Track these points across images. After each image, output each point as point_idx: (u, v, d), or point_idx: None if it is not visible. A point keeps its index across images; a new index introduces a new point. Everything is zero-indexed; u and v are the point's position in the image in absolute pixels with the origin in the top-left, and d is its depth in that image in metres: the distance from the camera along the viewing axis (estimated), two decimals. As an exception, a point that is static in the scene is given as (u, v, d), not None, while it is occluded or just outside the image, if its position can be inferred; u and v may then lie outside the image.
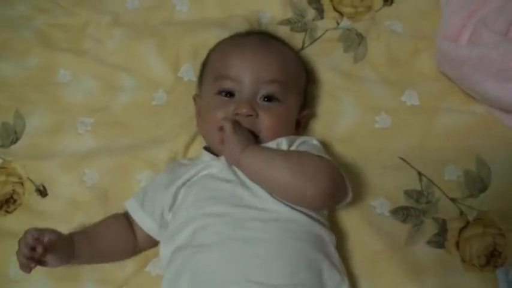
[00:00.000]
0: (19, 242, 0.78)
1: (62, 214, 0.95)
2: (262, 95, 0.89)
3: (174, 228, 0.83)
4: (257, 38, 0.96)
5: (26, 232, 0.78)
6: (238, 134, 0.82)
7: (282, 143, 0.86)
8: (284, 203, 0.80)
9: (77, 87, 1.07)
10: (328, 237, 0.83)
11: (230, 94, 0.89)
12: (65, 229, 0.92)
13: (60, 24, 1.14)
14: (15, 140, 1.03)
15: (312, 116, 1.03)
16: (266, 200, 0.80)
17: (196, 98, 0.99)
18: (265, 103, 0.89)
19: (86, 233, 0.87)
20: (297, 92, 0.95)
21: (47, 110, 1.05)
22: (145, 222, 0.88)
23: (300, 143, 0.88)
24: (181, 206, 0.84)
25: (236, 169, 0.84)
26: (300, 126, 0.97)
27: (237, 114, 0.86)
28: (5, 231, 0.95)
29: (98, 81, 1.07)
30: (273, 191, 0.80)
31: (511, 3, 0.93)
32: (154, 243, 0.90)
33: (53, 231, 0.81)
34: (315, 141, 0.90)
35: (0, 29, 1.14)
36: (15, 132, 1.04)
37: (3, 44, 1.12)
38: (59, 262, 0.80)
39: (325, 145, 0.98)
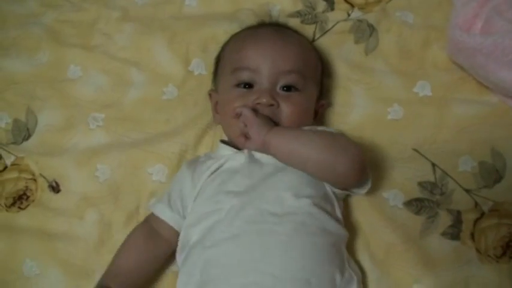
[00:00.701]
0: None
1: (75, 210, 0.95)
2: (282, 85, 0.89)
3: (190, 223, 0.83)
4: (272, 28, 0.96)
5: None
6: (259, 117, 0.83)
7: None
8: (304, 197, 0.80)
9: (87, 83, 1.07)
10: (342, 235, 0.83)
11: (249, 85, 0.89)
12: (78, 225, 0.94)
13: (69, 20, 1.14)
14: (27, 137, 1.03)
15: (329, 106, 1.02)
16: (285, 195, 0.80)
17: (212, 93, 0.98)
18: (285, 93, 0.89)
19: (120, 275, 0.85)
20: (314, 81, 0.95)
21: (58, 106, 1.05)
22: (175, 220, 0.87)
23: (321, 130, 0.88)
24: (199, 200, 0.84)
25: (259, 160, 0.84)
26: (317, 116, 0.97)
27: (257, 104, 0.86)
28: (18, 227, 0.96)
29: (109, 76, 1.07)
30: (304, 168, 0.81)
31: (524, -8, 0.92)
32: None
33: None
34: (332, 130, 0.91)
35: (10, 26, 1.14)
36: (27, 129, 1.04)
37: (13, 41, 1.12)
38: None
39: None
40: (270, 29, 0.96)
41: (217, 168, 0.86)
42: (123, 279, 0.84)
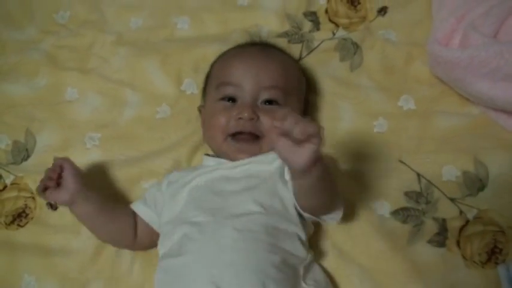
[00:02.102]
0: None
1: (72, 226, 0.98)
2: (263, 100, 0.93)
3: (162, 234, 0.87)
4: (257, 47, 1.01)
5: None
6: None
7: None
8: (269, 215, 0.82)
9: (84, 104, 1.11)
10: (301, 257, 0.84)
11: (232, 100, 0.93)
12: (74, 241, 0.97)
13: (66, 46, 1.19)
14: (26, 157, 1.07)
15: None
16: (251, 208, 0.82)
17: (201, 109, 1.02)
18: (266, 106, 0.92)
19: (103, 202, 0.91)
20: (297, 98, 0.98)
21: (56, 127, 1.09)
22: (146, 213, 0.92)
23: None
24: (172, 207, 0.88)
25: (232, 176, 0.87)
26: None
27: (239, 118, 0.90)
28: (17, 244, 0.98)
29: (104, 97, 1.11)
30: (309, 198, 0.79)
31: (496, 8, 0.96)
32: (153, 241, 0.92)
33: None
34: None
35: (9, 52, 1.19)
36: (26, 150, 1.08)
37: (13, 66, 1.17)
38: (68, 195, 0.87)
39: (325, 151, 1.01)
40: (255, 47, 1.01)
41: (195, 178, 0.89)
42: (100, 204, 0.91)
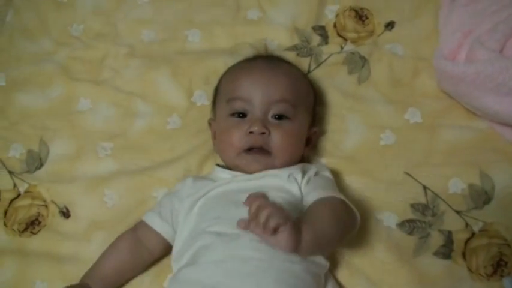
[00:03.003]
0: None
1: (84, 234, 1.00)
2: (273, 114, 0.94)
3: (179, 247, 0.88)
4: (264, 60, 1.03)
5: None
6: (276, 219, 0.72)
7: (296, 174, 0.90)
8: None
9: (96, 115, 1.14)
10: (322, 264, 0.85)
11: (242, 115, 0.95)
12: (85, 249, 0.99)
13: (80, 57, 1.21)
14: (39, 166, 1.09)
15: (322, 133, 1.07)
16: None
17: (211, 122, 1.04)
18: (276, 121, 0.94)
19: (101, 274, 0.91)
20: (306, 109, 1.00)
21: (69, 136, 1.11)
22: (163, 227, 0.92)
23: (313, 174, 0.92)
24: (190, 219, 0.89)
25: (247, 188, 0.87)
26: (310, 143, 1.01)
27: (250, 132, 0.91)
28: (30, 252, 1.00)
29: (116, 108, 1.14)
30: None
31: (503, 24, 0.98)
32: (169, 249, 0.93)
33: None
34: (327, 174, 0.96)
35: (25, 63, 1.22)
36: (40, 159, 1.10)
37: (28, 77, 1.19)
38: None
39: (333, 163, 1.04)
40: (263, 60, 1.02)
41: (212, 189, 0.90)
42: (102, 281, 0.89)
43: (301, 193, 0.89)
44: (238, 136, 0.92)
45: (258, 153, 0.92)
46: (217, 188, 0.91)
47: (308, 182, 0.91)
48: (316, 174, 0.93)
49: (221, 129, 0.97)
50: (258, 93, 0.94)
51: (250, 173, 0.92)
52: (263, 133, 0.91)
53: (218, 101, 1.02)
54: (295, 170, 0.91)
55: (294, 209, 0.85)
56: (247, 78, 0.96)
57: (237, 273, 0.78)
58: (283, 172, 0.91)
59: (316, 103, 1.07)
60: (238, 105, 0.95)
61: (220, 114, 0.99)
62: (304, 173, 0.92)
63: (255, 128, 0.91)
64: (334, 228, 0.82)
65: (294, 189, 0.89)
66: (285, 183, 0.89)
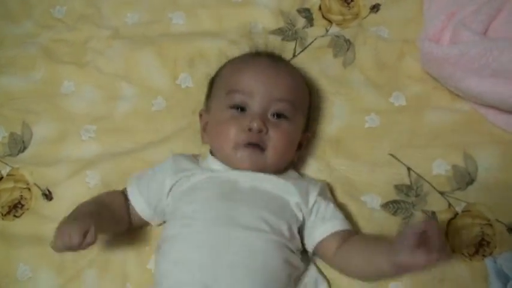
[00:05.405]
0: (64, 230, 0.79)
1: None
2: (273, 112, 0.93)
3: (164, 235, 0.89)
4: (268, 57, 1.01)
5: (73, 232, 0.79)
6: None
7: (292, 192, 0.90)
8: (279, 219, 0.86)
9: (80, 97, 1.12)
10: (301, 268, 0.89)
11: (241, 109, 0.93)
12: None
13: (63, 40, 1.20)
14: (22, 149, 1.08)
15: (313, 137, 1.06)
16: (256, 219, 0.85)
17: (202, 113, 1.02)
18: (275, 120, 0.93)
19: (98, 212, 0.88)
20: (302, 113, 0.99)
21: (52, 119, 1.10)
22: (139, 205, 0.93)
23: (318, 195, 0.92)
24: (177, 210, 0.89)
25: (240, 182, 0.89)
26: (301, 147, 1.00)
27: (249, 129, 0.90)
28: (13, 234, 1.00)
29: (100, 90, 1.13)
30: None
31: (486, 6, 0.98)
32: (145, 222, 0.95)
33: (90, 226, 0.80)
34: (329, 195, 0.96)
35: (7, 46, 1.21)
36: (23, 142, 1.09)
37: (10, 60, 1.18)
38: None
39: (318, 145, 1.05)
40: (266, 57, 1.00)
41: (201, 179, 0.90)
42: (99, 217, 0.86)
43: (303, 214, 0.90)
44: (236, 130, 0.90)
45: (253, 150, 0.90)
46: (212, 179, 0.90)
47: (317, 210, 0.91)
48: (323, 199, 0.93)
49: (217, 121, 0.95)
50: (260, 89, 0.92)
51: (242, 168, 0.91)
52: (261, 131, 0.90)
53: (215, 93, 1.00)
54: (292, 188, 0.91)
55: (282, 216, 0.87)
56: (251, 73, 0.95)
57: (217, 264, 0.80)
58: (279, 180, 0.91)
59: (311, 107, 1.06)
60: (239, 98, 0.93)
61: (217, 105, 0.97)
62: (305, 194, 0.91)
63: (255, 125, 0.89)
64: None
65: (295, 199, 0.90)
66: (279, 191, 0.90)
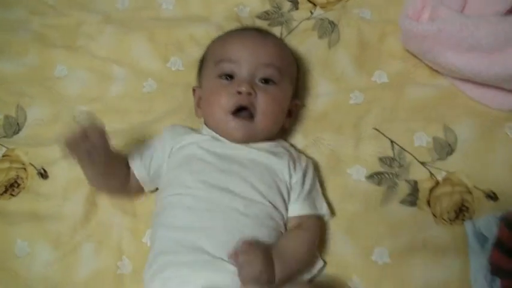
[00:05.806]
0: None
1: (62, 193, 1.02)
2: (260, 77, 0.97)
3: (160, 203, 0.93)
4: (255, 29, 1.07)
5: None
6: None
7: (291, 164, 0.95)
8: (262, 197, 0.90)
9: (73, 80, 1.15)
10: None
11: (230, 77, 0.97)
12: (65, 207, 1.01)
13: (55, 25, 1.22)
14: (17, 131, 1.10)
15: (302, 106, 1.10)
16: (249, 190, 0.89)
17: (196, 89, 1.06)
18: (263, 85, 0.96)
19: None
20: (290, 80, 1.03)
21: (46, 102, 1.13)
22: (139, 170, 0.96)
23: (302, 174, 0.96)
24: (175, 178, 0.92)
25: (232, 154, 0.93)
26: (291, 114, 1.05)
27: (238, 92, 0.93)
28: (10, 213, 1.02)
29: (92, 73, 1.15)
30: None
31: (464, -15, 1.03)
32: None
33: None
34: (311, 175, 0.98)
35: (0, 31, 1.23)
36: (18, 124, 1.11)
37: (3, 44, 1.20)
38: (98, 159, 0.87)
39: (304, 121, 1.08)
40: (253, 30, 1.07)
41: (197, 145, 0.94)
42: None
43: (290, 185, 0.94)
44: (226, 97, 0.94)
45: (244, 119, 0.94)
46: (207, 149, 0.94)
47: (300, 181, 0.95)
48: (308, 172, 0.97)
49: (208, 91, 0.99)
50: (247, 56, 0.96)
51: (234, 140, 0.95)
52: (250, 94, 0.93)
53: (205, 66, 1.04)
54: (289, 158, 0.95)
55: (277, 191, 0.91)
56: (238, 42, 0.99)
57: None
58: (274, 147, 0.95)
59: (299, 78, 1.10)
60: (227, 67, 0.97)
61: (207, 77, 1.01)
62: (294, 164, 0.96)
63: (243, 88, 0.93)
64: (304, 260, 0.90)
65: (284, 173, 0.94)
66: (272, 160, 0.94)
